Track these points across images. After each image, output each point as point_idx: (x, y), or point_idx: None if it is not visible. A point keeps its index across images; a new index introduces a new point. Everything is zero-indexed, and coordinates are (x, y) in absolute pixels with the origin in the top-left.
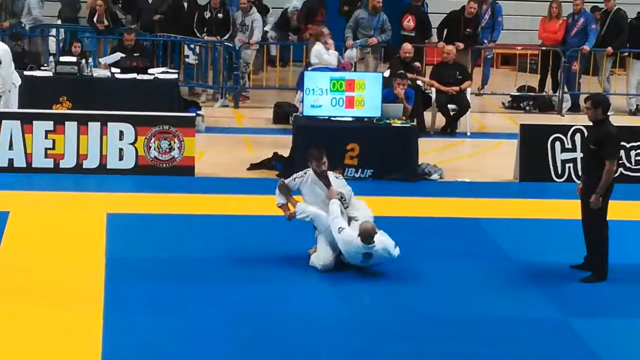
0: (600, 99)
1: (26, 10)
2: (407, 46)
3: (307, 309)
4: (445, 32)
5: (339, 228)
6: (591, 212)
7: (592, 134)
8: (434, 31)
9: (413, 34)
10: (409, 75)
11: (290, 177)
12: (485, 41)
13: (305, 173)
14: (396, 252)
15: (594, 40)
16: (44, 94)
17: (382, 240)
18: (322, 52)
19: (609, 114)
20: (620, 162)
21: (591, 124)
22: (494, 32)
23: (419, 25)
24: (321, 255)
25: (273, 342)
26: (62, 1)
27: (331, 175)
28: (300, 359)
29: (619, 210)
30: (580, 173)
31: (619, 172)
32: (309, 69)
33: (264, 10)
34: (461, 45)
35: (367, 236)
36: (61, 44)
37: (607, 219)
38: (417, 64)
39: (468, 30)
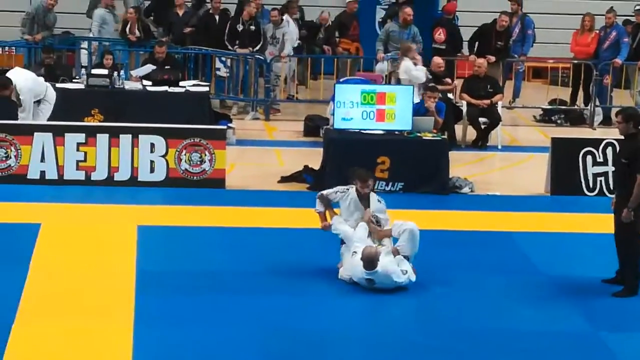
0: (631, 113)
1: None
2: (438, 59)
3: (337, 322)
4: (476, 45)
5: (353, 252)
6: (623, 226)
7: (624, 148)
8: (465, 44)
9: (444, 47)
10: (440, 87)
11: (333, 189)
12: (516, 55)
13: (347, 189)
14: (404, 278)
15: (626, 53)
16: (75, 107)
17: (386, 267)
18: (410, 68)
19: None
20: None
21: (623, 137)
22: (525, 45)
23: (450, 38)
24: (348, 269)
25: (303, 356)
26: None
27: (374, 197)
28: None
29: None
30: (611, 187)
31: None
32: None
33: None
34: (492, 59)
35: (367, 262)
36: (92, 57)
37: None
38: (449, 80)
39: (499, 43)
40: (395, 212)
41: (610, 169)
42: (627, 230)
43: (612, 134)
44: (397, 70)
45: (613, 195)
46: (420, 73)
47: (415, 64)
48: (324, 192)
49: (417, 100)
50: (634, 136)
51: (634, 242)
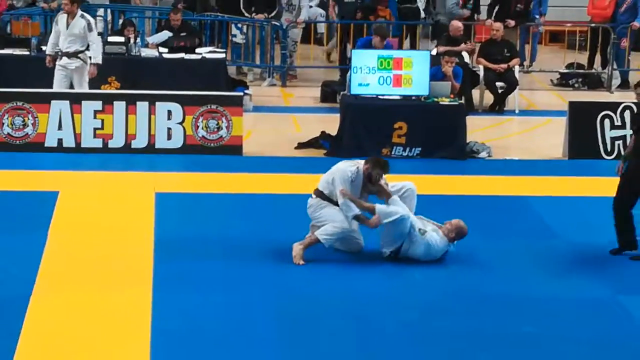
0: None
1: None
2: (457, 23)
3: (356, 287)
4: (496, 9)
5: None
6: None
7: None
8: (484, 8)
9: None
10: (457, 49)
11: (344, 182)
12: (537, 16)
13: (357, 169)
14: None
15: None
16: None
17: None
18: None
19: None
20: None
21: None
22: (542, 5)
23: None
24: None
25: (319, 319)
26: None
27: (382, 180)
28: (347, 335)
29: None
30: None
31: None
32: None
33: None
34: (512, 23)
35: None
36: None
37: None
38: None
39: (519, 6)
40: (413, 177)
41: (628, 132)
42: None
43: (630, 97)
44: None
45: (620, 161)
46: None
47: None
48: (344, 190)
49: None
50: None
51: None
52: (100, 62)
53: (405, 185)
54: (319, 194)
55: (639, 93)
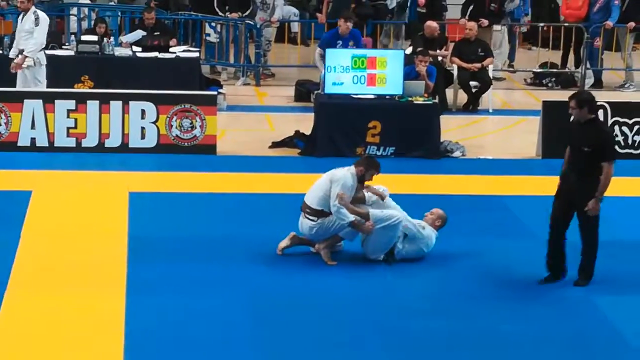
0: (585, 98)
1: None
2: (433, 24)
3: (329, 287)
4: (470, 9)
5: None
6: (586, 218)
7: (584, 135)
8: (458, 8)
9: (424, 11)
10: (431, 52)
11: (346, 189)
12: (522, 16)
13: (352, 174)
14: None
15: (617, 16)
16: (65, 73)
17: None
18: None
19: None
20: None
21: (579, 124)
22: (524, 5)
23: (431, 2)
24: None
25: (294, 322)
26: None
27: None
28: (323, 336)
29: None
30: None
31: None
32: None
33: None
34: (486, 22)
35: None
36: (82, 23)
37: (628, 195)
38: (445, 52)
39: (493, 5)
40: (387, 177)
41: None
42: (593, 219)
43: (603, 96)
44: None
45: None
46: None
47: None
48: (342, 196)
49: None
50: (593, 122)
51: (597, 230)
52: (30, 55)
53: (379, 188)
54: (317, 213)
55: (572, 106)
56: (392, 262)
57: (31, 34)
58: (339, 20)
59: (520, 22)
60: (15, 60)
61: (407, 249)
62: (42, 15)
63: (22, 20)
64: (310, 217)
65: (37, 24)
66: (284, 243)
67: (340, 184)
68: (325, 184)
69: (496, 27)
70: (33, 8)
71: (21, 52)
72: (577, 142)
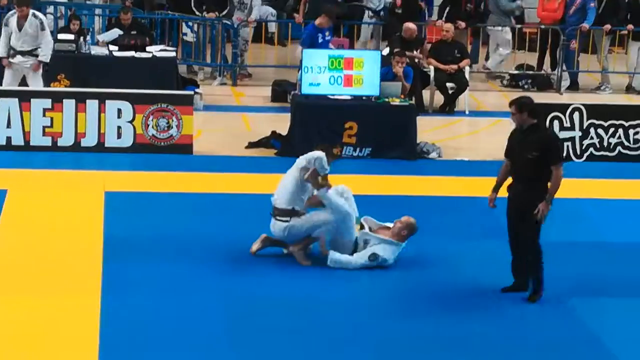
0: (524, 102)
1: None
2: (411, 25)
3: (304, 288)
4: (447, 10)
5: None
6: (532, 225)
7: (528, 142)
8: (435, 9)
9: (400, 12)
10: (408, 53)
11: (335, 195)
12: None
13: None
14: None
15: (593, 18)
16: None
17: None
18: None
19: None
20: (619, 140)
21: (520, 129)
22: None
23: (406, 3)
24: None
25: (269, 322)
26: None
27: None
28: (297, 337)
29: (618, 188)
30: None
31: (617, 150)
32: None
33: None
34: (463, 24)
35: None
36: (58, 22)
37: (604, 197)
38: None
39: (469, 5)
40: (363, 177)
41: (577, 134)
42: (535, 228)
43: (579, 99)
44: None
45: (492, 193)
46: None
47: None
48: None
49: None
50: (536, 127)
51: (538, 240)
52: (47, 61)
53: (343, 188)
54: (286, 213)
55: (512, 111)
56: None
57: (35, 37)
58: (319, 19)
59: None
60: (33, 65)
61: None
62: (44, 18)
63: (17, 23)
64: (281, 219)
65: (42, 28)
66: (256, 246)
67: (306, 157)
68: (291, 177)
69: (497, 27)
70: (31, 11)
71: (20, 52)
72: (521, 150)
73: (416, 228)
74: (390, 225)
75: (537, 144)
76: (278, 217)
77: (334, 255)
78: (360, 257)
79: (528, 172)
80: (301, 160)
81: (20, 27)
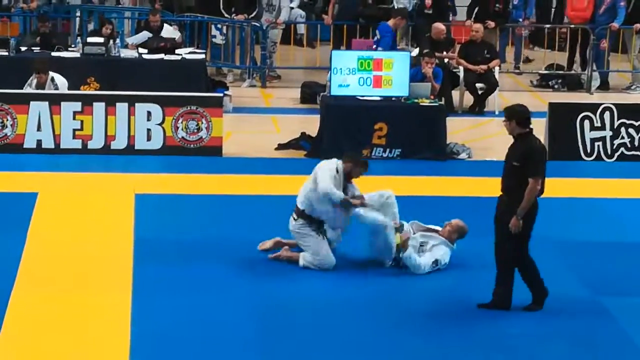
0: (515, 110)
1: None
2: (440, 26)
3: (334, 290)
4: (475, 10)
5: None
6: (509, 236)
7: (515, 150)
8: (464, 9)
9: (431, 12)
10: (437, 54)
11: (330, 179)
12: (520, 19)
13: (336, 167)
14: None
15: (623, 17)
16: (71, 75)
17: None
18: None
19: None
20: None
21: (513, 139)
22: (528, 7)
23: (437, 3)
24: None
25: (298, 323)
26: None
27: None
28: (325, 342)
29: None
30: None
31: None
32: None
33: None
34: (492, 24)
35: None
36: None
37: (635, 197)
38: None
39: (497, 5)
40: (393, 179)
41: (608, 133)
42: (514, 241)
43: (610, 98)
44: None
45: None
46: None
47: None
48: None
49: None
50: (525, 136)
51: (519, 256)
52: None
53: (385, 193)
54: (301, 214)
55: (504, 121)
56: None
57: None
58: (393, 21)
59: (519, 24)
60: None
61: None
62: (60, 82)
63: (36, 86)
64: (294, 215)
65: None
66: (267, 244)
67: (321, 169)
68: (309, 181)
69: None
70: (51, 75)
71: None
72: (507, 159)
73: (466, 231)
74: (435, 227)
75: (520, 154)
76: (294, 214)
77: (413, 255)
78: (426, 264)
79: (510, 182)
80: (317, 178)
81: (40, 88)
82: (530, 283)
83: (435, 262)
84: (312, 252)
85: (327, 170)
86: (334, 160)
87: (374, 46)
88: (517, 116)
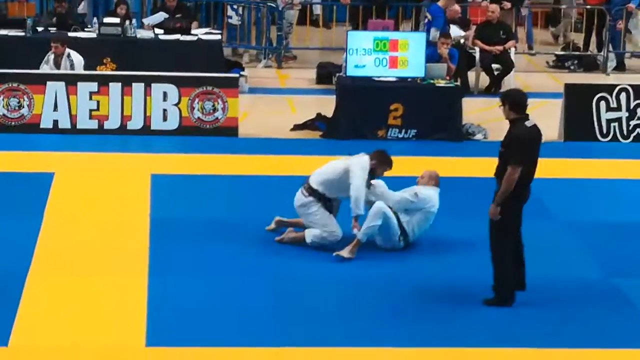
0: (509, 94)
1: None
2: (455, 7)
3: (351, 271)
4: None
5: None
6: (492, 224)
7: (505, 135)
8: None
9: None
10: (455, 37)
11: (363, 169)
12: None
13: (367, 165)
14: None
15: None
16: (88, 56)
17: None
18: None
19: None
20: None
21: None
22: None
23: None
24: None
25: (313, 300)
26: None
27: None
28: (343, 317)
29: None
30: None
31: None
32: None
33: None
34: (508, 5)
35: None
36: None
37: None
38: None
39: None
40: (409, 159)
41: (624, 114)
42: (496, 228)
43: (626, 79)
44: None
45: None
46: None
47: None
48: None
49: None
50: (514, 122)
51: (502, 244)
52: None
53: (376, 182)
54: (312, 192)
55: (500, 105)
56: (409, 243)
57: None
58: (438, 41)
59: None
60: None
61: (415, 219)
62: (77, 59)
63: (54, 62)
64: (304, 192)
65: (72, 70)
66: (271, 226)
67: (356, 166)
68: (338, 170)
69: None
70: (67, 51)
71: None
72: (501, 143)
73: (437, 175)
74: (414, 188)
75: (506, 139)
76: (303, 190)
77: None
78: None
79: (500, 168)
80: (348, 165)
81: (57, 65)
82: (495, 277)
83: (415, 194)
84: (321, 224)
85: (361, 169)
86: (366, 158)
87: (426, 28)
88: (510, 100)
